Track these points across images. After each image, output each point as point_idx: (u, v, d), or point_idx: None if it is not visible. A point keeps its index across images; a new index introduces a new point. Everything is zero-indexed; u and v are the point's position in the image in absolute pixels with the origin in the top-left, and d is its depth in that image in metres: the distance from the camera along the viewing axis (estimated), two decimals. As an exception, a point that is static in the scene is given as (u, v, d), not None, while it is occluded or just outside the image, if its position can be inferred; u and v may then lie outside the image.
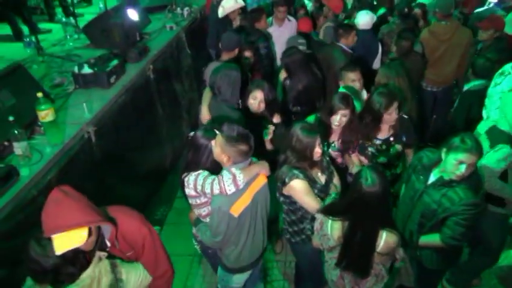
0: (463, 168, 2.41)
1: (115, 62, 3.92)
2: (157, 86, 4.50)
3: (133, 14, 4.52)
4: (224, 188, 2.33)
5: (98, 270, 1.89)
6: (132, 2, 5.02)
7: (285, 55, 4.19)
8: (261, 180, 2.55)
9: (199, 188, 2.45)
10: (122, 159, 3.69)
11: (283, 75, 4.24)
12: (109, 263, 1.96)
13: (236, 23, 4.99)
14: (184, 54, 5.47)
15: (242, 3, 5.12)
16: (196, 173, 2.51)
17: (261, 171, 2.53)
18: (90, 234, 1.83)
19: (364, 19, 4.79)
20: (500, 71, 3.59)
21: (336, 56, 4.42)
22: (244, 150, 2.37)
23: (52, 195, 1.85)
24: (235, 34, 4.34)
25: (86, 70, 3.76)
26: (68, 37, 5.06)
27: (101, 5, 6.10)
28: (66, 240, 1.76)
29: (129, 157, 3.83)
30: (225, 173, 2.37)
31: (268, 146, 3.36)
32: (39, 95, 2.82)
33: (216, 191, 2.37)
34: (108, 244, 2.03)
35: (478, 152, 2.42)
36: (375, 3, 6.19)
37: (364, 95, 3.83)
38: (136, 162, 3.99)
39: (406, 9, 5.25)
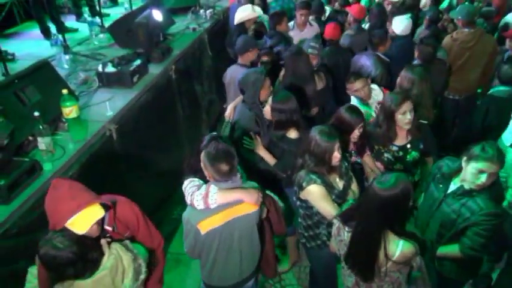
0: (483, 178, 2.36)
1: (138, 61, 3.99)
2: (179, 87, 4.56)
3: (157, 15, 4.58)
4: (193, 202, 2.32)
5: (115, 252, 1.97)
6: (156, 3, 5.10)
7: (286, 51, 4.18)
8: (245, 209, 2.38)
9: (185, 194, 2.44)
10: (142, 157, 3.74)
11: (282, 72, 4.19)
12: (120, 244, 2.04)
13: (251, 31, 5.00)
14: (205, 56, 5.52)
15: (259, 12, 5.13)
16: (190, 179, 2.49)
17: (245, 199, 2.35)
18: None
19: (403, 25, 4.72)
20: None
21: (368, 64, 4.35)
22: (222, 170, 2.29)
23: (52, 186, 1.97)
24: (248, 37, 4.38)
25: (110, 69, 3.85)
26: (94, 36, 5.17)
27: (126, 5, 6.24)
28: (87, 218, 1.88)
29: (148, 156, 3.88)
30: (202, 187, 2.36)
31: (265, 156, 3.22)
32: (65, 91, 2.89)
33: (189, 201, 2.37)
34: (109, 229, 2.14)
35: (499, 161, 2.37)
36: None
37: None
38: (155, 161, 4.03)
39: (430, 15, 5.18)
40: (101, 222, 2.04)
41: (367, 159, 3.25)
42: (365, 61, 4.33)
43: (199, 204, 2.30)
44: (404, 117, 3.00)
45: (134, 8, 5.03)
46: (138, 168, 3.68)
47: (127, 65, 3.91)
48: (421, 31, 5.16)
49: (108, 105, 3.45)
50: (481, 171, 2.35)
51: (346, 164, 2.82)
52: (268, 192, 2.75)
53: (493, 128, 4.07)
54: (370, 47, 4.59)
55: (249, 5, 5.20)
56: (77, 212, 1.84)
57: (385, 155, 3.19)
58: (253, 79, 3.41)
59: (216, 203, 2.29)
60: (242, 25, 5.10)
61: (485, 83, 4.70)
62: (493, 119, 4.07)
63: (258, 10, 5.14)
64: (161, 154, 4.16)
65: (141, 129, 3.72)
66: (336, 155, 2.56)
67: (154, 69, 4.21)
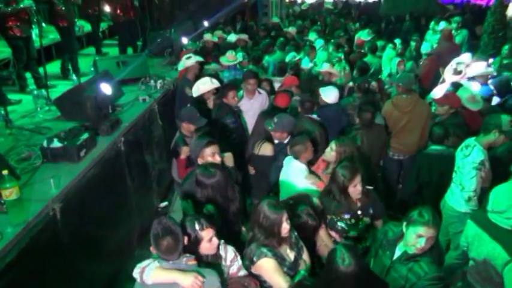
0: (422, 242, 2.49)
1: (86, 135, 3.93)
2: (128, 158, 4.51)
3: (106, 88, 4.61)
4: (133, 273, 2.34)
5: None
6: (106, 76, 5.17)
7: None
8: None
9: None
10: (89, 235, 3.58)
11: None
12: None
13: (210, 102, 5.14)
14: (155, 126, 5.55)
15: (217, 84, 5.31)
16: None
17: (179, 281, 2.28)
18: None
19: (330, 94, 5.03)
20: (464, 144, 3.93)
21: (306, 126, 4.56)
22: (162, 247, 2.31)
23: None
24: (189, 110, 4.44)
25: (56, 144, 3.75)
26: (39, 109, 5.08)
27: (74, 77, 6.25)
28: None
29: (96, 233, 3.72)
30: (147, 260, 2.38)
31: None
32: (5, 172, 2.78)
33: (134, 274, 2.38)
34: None
35: (436, 225, 2.52)
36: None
37: None
38: (104, 238, 3.87)
39: (366, 85, 5.59)
40: None
41: (321, 232, 3.25)
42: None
43: (137, 278, 2.31)
44: (356, 189, 3.16)
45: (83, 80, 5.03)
46: (85, 247, 3.50)
47: (74, 139, 3.83)
48: (346, 100, 5.56)
49: (52, 182, 3.34)
50: (419, 236, 2.48)
51: (296, 233, 2.85)
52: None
53: (425, 183, 4.46)
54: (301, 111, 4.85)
55: (207, 77, 5.35)
56: None
57: (339, 223, 3.26)
58: (193, 147, 3.53)
59: (151, 281, 2.27)
60: (201, 96, 5.22)
61: (423, 144, 5.04)
62: (425, 175, 4.42)
63: (215, 82, 5.31)
64: (110, 229, 4.01)
65: (87, 206, 3.59)
66: (285, 226, 2.60)
67: (103, 142, 4.16)
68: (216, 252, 2.60)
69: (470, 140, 3.89)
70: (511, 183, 3.12)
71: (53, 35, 8.00)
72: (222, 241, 2.67)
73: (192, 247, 2.53)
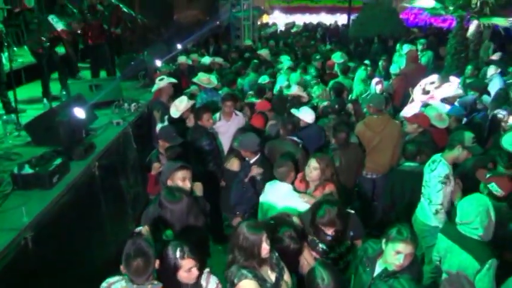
0: (401, 258, 2.55)
1: (58, 160, 3.84)
2: (102, 183, 4.41)
3: (79, 112, 4.55)
4: None
5: None
6: (79, 100, 5.10)
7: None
8: None
9: None
10: (63, 264, 3.46)
11: None
12: None
13: (190, 121, 5.14)
14: (130, 149, 5.49)
15: (193, 101, 5.35)
16: None
17: None
18: None
19: (307, 115, 5.12)
20: (431, 159, 4.09)
21: (287, 148, 4.62)
22: (132, 267, 2.34)
23: None
24: (167, 129, 4.51)
25: (27, 170, 3.65)
26: (8, 134, 4.94)
27: (45, 102, 6.13)
28: None
29: (70, 261, 3.60)
30: (117, 276, 2.41)
31: None
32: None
33: None
34: None
35: (414, 241, 2.59)
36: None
37: None
38: (78, 266, 3.74)
39: (336, 106, 5.73)
40: None
41: (305, 251, 3.25)
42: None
43: None
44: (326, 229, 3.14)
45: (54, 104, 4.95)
46: (59, 276, 3.37)
47: (46, 165, 3.74)
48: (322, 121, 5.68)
49: (23, 210, 3.22)
50: (398, 252, 2.54)
51: (277, 254, 2.85)
52: None
53: (398, 199, 4.60)
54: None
55: (184, 96, 5.39)
56: None
57: (320, 245, 3.27)
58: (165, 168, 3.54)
59: None
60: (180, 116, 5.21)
61: (395, 162, 5.16)
62: (398, 191, 4.56)
63: (191, 100, 5.36)
64: (85, 257, 3.89)
65: (61, 233, 3.48)
66: (265, 247, 2.60)
67: (76, 168, 4.06)
68: (197, 281, 2.57)
69: (437, 156, 4.05)
70: (476, 194, 3.28)
71: (22, 59, 7.87)
72: (207, 270, 2.67)
73: (171, 274, 2.50)
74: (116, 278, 2.42)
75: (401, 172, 4.56)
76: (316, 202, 3.33)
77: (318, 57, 9.34)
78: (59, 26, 6.36)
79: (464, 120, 5.64)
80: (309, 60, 9.33)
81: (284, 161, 3.88)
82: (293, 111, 5.20)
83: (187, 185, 3.38)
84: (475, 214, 2.97)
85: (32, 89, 7.34)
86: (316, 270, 2.29)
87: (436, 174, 3.93)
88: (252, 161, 4.35)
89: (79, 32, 8.39)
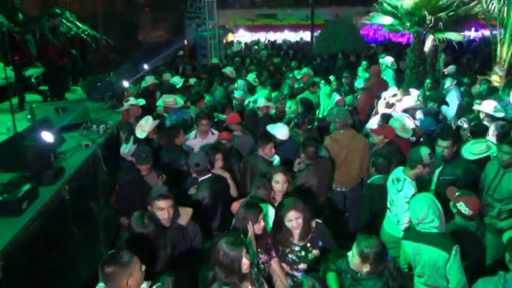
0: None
1: (27, 186, 3.75)
2: (73, 207, 4.33)
3: (47, 136, 4.46)
4: None
5: None
6: (46, 123, 5.00)
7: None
8: None
9: None
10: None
11: None
12: None
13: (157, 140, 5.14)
14: (100, 171, 5.40)
15: (158, 121, 5.35)
16: None
17: None
18: None
19: (282, 132, 5.22)
20: (395, 176, 4.20)
21: (259, 165, 4.68)
22: (107, 273, 2.36)
23: None
24: (143, 150, 4.48)
25: (-6, 198, 3.54)
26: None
27: (8, 125, 5.93)
28: None
29: (42, 287, 3.50)
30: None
31: None
32: None
33: None
34: None
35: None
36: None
37: None
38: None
39: (306, 120, 5.87)
40: None
41: (275, 265, 3.30)
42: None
43: None
44: (291, 223, 3.24)
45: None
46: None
47: (14, 191, 3.64)
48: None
49: (-8, 240, 3.12)
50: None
51: (256, 269, 2.89)
52: None
53: (378, 212, 4.62)
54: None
55: (148, 116, 5.39)
56: None
57: (289, 256, 3.33)
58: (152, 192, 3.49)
59: None
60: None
61: (363, 174, 5.33)
62: (378, 205, 4.61)
63: (156, 121, 5.38)
64: (57, 283, 3.79)
65: (32, 261, 3.39)
66: (245, 262, 2.64)
67: (46, 192, 3.97)
68: None
69: (400, 173, 4.14)
70: (419, 194, 3.58)
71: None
72: None
73: None
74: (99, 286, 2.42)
75: (376, 186, 4.63)
76: (278, 204, 3.53)
77: (290, 75, 9.60)
78: None
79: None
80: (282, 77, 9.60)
81: (262, 183, 3.90)
82: (268, 128, 5.28)
83: (164, 216, 3.28)
84: (426, 207, 3.23)
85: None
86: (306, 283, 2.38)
87: (403, 195, 4.02)
88: (199, 179, 4.31)
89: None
